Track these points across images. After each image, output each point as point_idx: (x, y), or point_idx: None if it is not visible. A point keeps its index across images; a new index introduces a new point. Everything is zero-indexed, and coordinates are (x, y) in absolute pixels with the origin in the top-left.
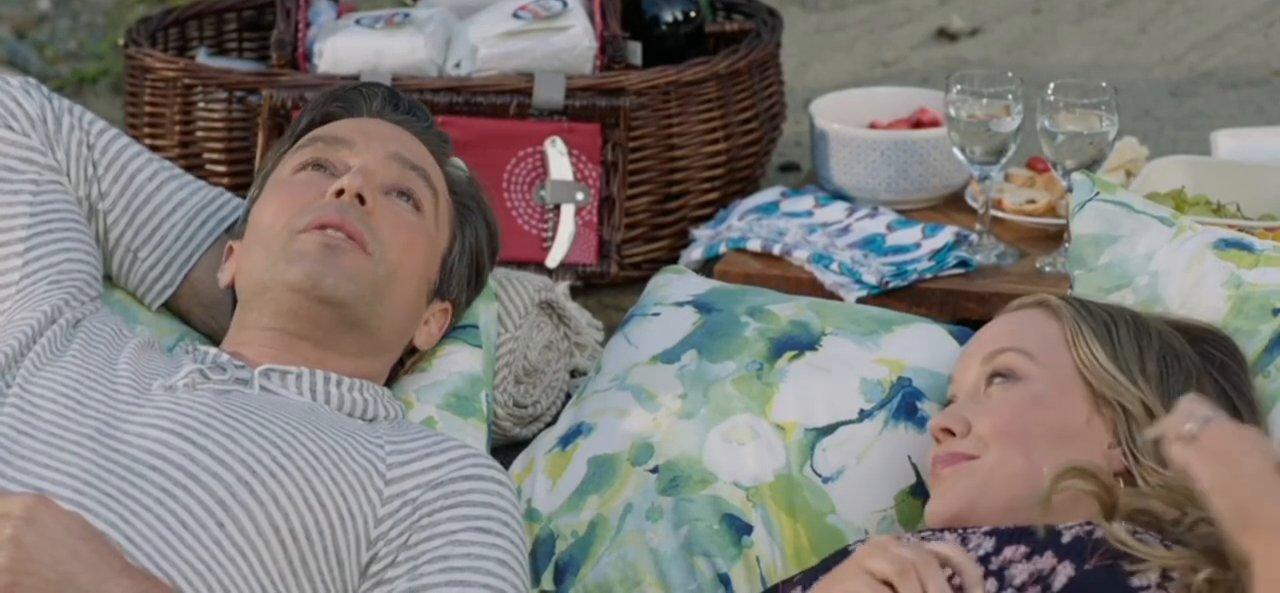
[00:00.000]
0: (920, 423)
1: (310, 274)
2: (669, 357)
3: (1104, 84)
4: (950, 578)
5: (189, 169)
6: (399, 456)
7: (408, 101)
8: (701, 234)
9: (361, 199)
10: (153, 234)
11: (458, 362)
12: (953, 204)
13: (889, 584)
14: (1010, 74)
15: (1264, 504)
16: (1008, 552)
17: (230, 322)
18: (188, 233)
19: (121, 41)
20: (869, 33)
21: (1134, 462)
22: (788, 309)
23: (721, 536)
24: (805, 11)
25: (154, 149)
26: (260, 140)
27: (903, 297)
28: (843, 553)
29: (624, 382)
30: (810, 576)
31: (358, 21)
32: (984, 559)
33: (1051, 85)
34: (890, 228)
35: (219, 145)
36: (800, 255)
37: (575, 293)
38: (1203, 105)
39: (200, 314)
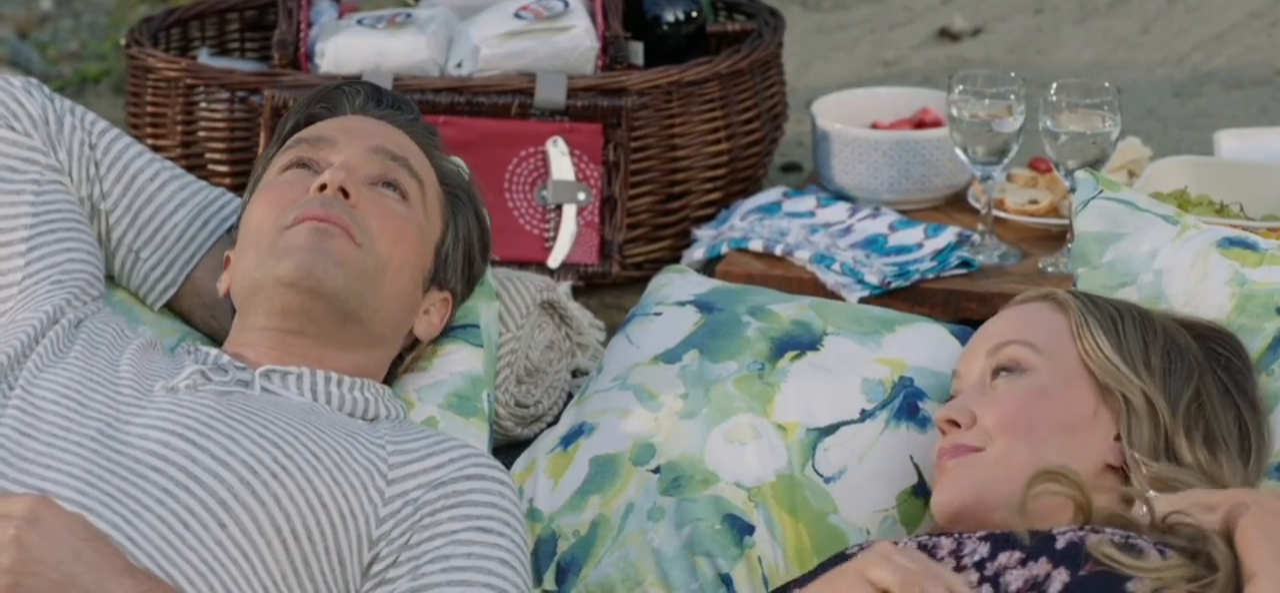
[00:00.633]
0: (922, 423)
1: (300, 265)
2: (670, 356)
3: (1106, 84)
4: None
5: (191, 169)
6: (401, 455)
7: (392, 96)
8: (703, 234)
9: (345, 193)
10: (155, 234)
11: (459, 361)
12: (955, 204)
13: None
14: (1012, 74)
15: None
16: (1002, 558)
17: (231, 325)
18: (190, 233)
19: (123, 41)
20: (871, 33)
21: (1131, 456)
22: (789, 309)
23: (723, 536)
24: (807, 11)
25: (156, 149)
26: (262, 141)
27: (905, 297)
28: (841, 557)
29: (626, 381)
30: (809, 580)
31: (360, 21)
32: (979, 565)
33: (1054, 85)
34: (892, 228)
35: (221, 145)
36: (802, 255)
37: (577, 293)
38: (1206, 105)
39: (202, 315)
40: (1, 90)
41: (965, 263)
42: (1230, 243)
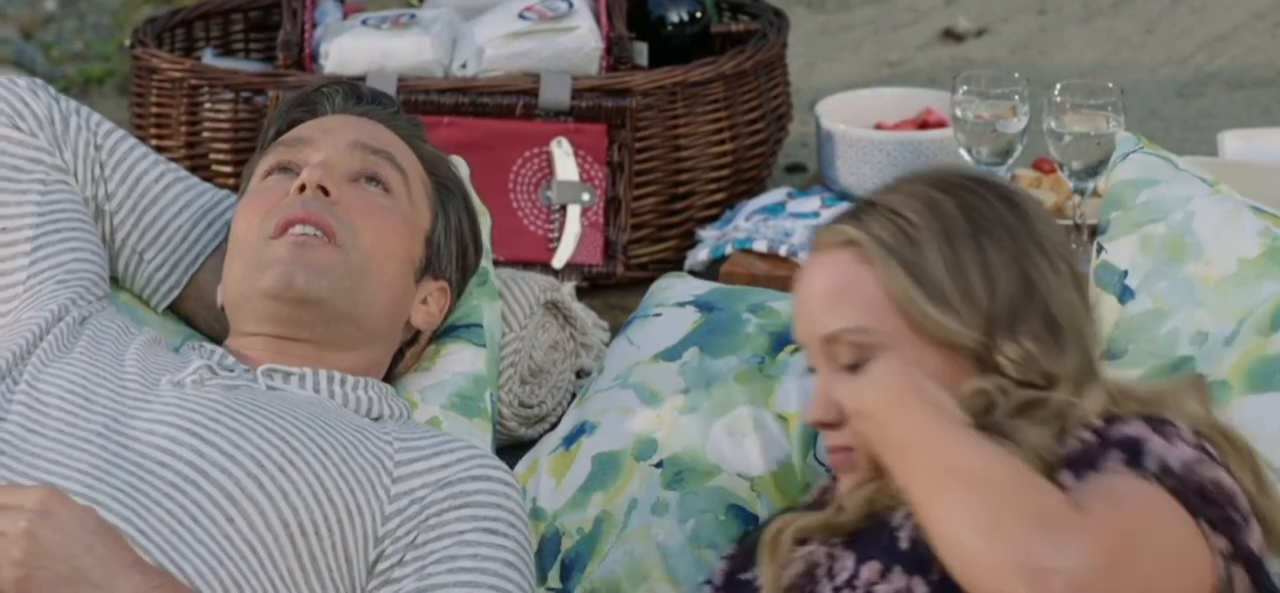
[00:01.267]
0: None
1: (281, 277)
2: (671, 354)
3: (1110, 85)
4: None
5: (195, 170)
6: (407, 453)
7: (371, 92)
8: (707, 235)
9: (325, 191)
10: (159, 236)
11: (462, 361)
12: None
13: None
14: (1016, 75)
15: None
16: (866, 573)
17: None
18: (193, 235)
19: (128, 42)
20: (875, 33)
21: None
22: (789, 306)
23: (728, 527)
24: (811, 12)
25: (160, 150)
26: None
27: None
28: (753, 528)
29: (626, 380)
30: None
31: (364, 22)
32: (849, 582)
33: (1058, 86)
34: None
35: (225, 146)
36: (806, 256)
37: (581, 293)
38: (1209, 106)
39: (205, 317)
40: (7, 90)
41: None
42: (1262, 210)
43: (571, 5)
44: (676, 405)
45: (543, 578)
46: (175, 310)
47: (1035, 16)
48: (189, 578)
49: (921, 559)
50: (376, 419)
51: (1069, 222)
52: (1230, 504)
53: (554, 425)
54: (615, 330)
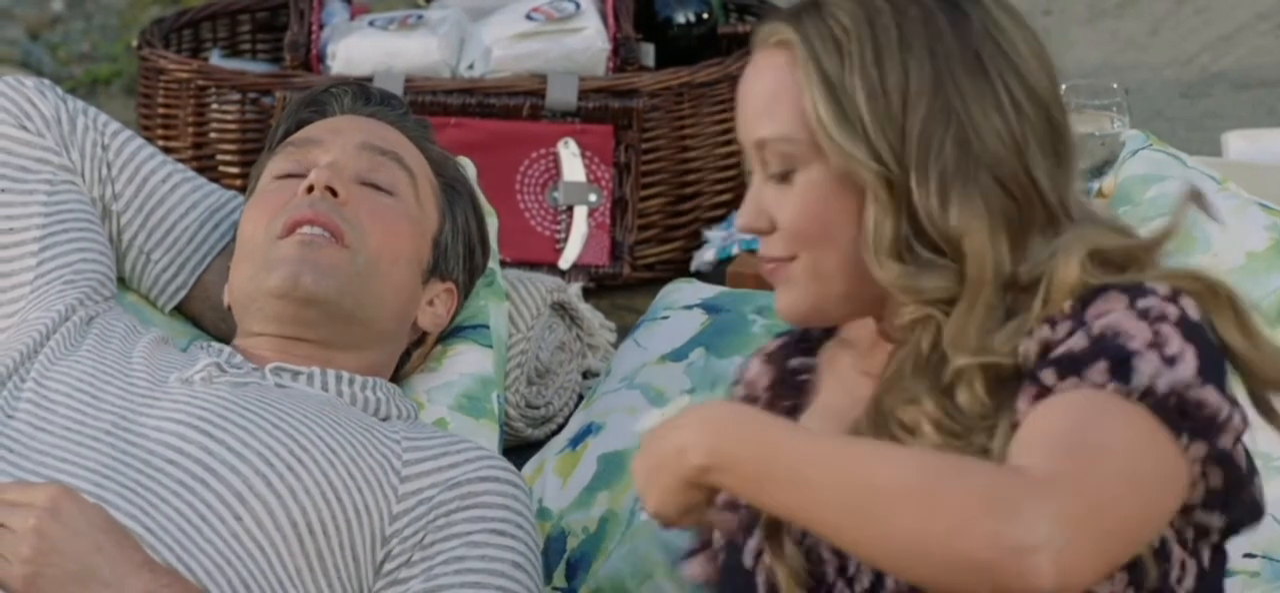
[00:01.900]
0: None
1: (288, 277)
2: (677, 355)
3: (1115, 85)
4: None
5: (202, 171)
6: (415, 453)
7: (380, 93)
8: (714, 235)
9: (334, 192)
10: (166, 236)
11: (469, 362)
12: None
13: None
14: None
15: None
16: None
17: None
18: (201, 235)
19: (135, 43)
20: None
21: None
22: None
23: None
24: None
25: (167, 151)
26: None
27: None
28: None
29: (633, 381)
30: None
31: (371, 23)
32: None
33: (1062, 86)
34: None
35: (232, 147)
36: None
37: (588, 294)
38: (1214, 106)
39: (212, 318)
40: (15, 91)
41: None
42: (1270, 207)
43: (578, 6)
44: (682, 405)
45: (548, 577)
46: (182, 311)
47: (1040, 16)
48: (197, 577)
49: None
50: (385, 419)
51: None
52: (1213, 418)
53: (561, 427)
54: (622, 331)
